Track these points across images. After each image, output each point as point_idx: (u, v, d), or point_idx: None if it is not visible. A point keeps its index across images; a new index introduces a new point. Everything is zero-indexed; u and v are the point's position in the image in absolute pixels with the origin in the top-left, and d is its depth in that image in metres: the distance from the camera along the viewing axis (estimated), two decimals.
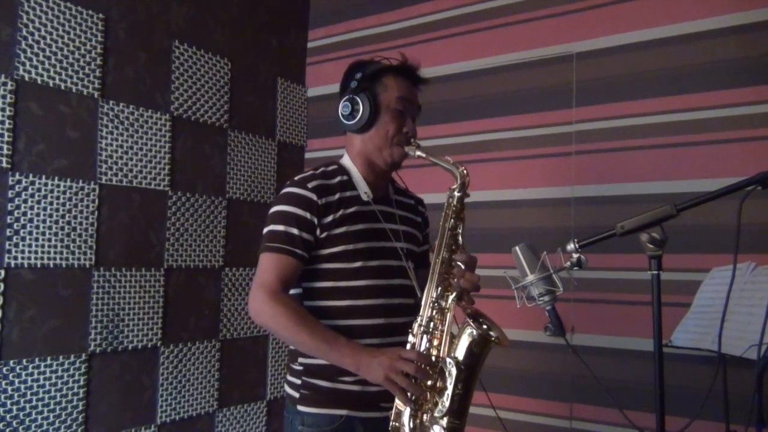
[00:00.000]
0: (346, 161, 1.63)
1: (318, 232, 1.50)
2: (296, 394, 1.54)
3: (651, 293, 1.27)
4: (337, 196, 1.53)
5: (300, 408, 1.52)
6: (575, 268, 1.31)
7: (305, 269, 1.52)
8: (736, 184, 1.24)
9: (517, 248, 1.38)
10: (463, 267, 1.45)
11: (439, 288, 1.46)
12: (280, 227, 1.48)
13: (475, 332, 1.39)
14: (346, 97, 1.56)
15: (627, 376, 2.28)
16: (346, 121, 1.56)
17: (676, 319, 1.95)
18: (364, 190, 1.57)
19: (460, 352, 1.40)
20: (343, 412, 1.49)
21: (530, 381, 2.53)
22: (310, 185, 1.51)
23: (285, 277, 1.47)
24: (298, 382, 1.54)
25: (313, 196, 1.49)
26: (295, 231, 1.47)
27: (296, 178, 1.55)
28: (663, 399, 1.24)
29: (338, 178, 1.57)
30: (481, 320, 1.46)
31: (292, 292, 1.54)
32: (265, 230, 1.51)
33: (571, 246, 1.31)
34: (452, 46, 2.84)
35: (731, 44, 2.22)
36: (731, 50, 2.22)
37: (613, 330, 2.37)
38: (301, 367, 1.55)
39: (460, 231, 1.51)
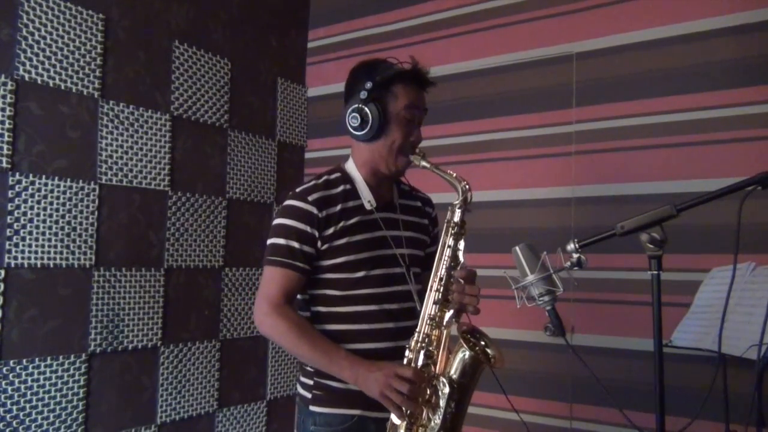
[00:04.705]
0: (351, 168, 1.62)
1: (319, 244, 1.51)
2: (308, 395, 1.55)
3: (651, 293, 1.27)
4: (338, 207, 1.53)
5: (312, 408, 1.53)
6: (575, 268, 1.31)
7: (310, 278, 1.54)
8: (736, 184, 1.24)
9: (517, 248, 1.38)
10: (462, 282, 1.46)
11: (437, 305, 1.47)
12: (281, 241, 1.50)
13: (467, 353, 1.41)
14: (355, 107, 1.53)
15: (627, 376, 2.28)
16: (354, 132, 1.55)
17: (676, 319, 1.95)
18: (367, 198, 1.57)
19: (454, 371, 1.42)
20: (356, 411, 1.50)
21: (530, 381, 2.52)
22: (310, 198, 1.51)
23: (287, 289, 1.50)
24: (311, 382, 1.56)
25: (314, 210, 1.50)
26: (295, 245, 1.49)
27: (298, 190, 1.55)
28: (663, 399, 1.24)
29: (341, 188, 1.57)
30: (478, 336, 1.47)
31: (299, 297, 1.57)
32: (268, 242, 1.54)
33: (571, 246, 1.31)
34: (452, 46, 2.84)
35: (731, 44, 2.21)
36: (731, 50, 2.21)
37: (613, 330, 2.37)
38: (313, 368, 1.55)
39: (461, 248, 1.51)
